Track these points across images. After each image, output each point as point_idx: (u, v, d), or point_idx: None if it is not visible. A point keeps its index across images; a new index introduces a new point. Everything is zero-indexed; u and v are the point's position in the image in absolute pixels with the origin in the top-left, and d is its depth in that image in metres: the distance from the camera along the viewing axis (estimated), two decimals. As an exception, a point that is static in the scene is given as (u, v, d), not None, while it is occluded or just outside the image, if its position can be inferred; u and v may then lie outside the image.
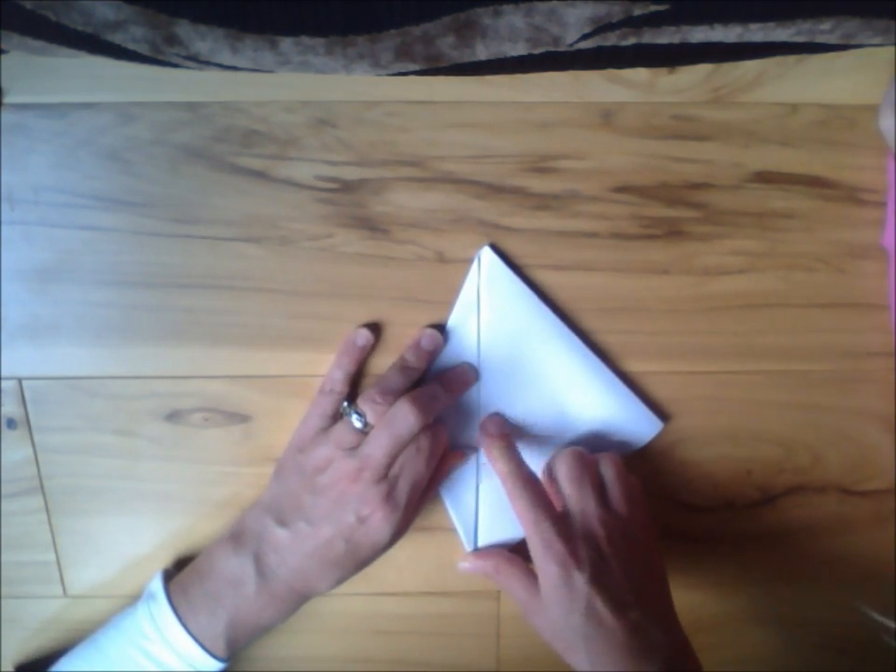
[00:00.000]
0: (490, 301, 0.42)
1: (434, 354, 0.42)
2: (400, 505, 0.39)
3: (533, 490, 0.40)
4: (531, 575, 0.40)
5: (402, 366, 0.41)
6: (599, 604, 0.37)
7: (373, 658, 0.45)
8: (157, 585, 0.42)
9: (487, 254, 0.41)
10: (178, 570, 0.43)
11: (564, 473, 0.41)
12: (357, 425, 0.39)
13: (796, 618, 0.50)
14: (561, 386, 0.43)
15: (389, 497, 0.39)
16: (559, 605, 0.38)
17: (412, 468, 0.39)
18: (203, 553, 0.42)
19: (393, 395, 0.40)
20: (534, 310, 0.42)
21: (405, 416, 0.39)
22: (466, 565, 0.44)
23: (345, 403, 0.41)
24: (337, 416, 0.41)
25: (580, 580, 0.37)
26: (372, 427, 0.39)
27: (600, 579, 0.37)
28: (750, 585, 0.49)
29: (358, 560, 0.40)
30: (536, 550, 0.39)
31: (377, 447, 0.39)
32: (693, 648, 0.39)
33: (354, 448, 0.39)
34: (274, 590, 0.40)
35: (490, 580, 0.43)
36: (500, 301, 0.42)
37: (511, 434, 0.43)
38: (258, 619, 0.40)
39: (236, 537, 0.41)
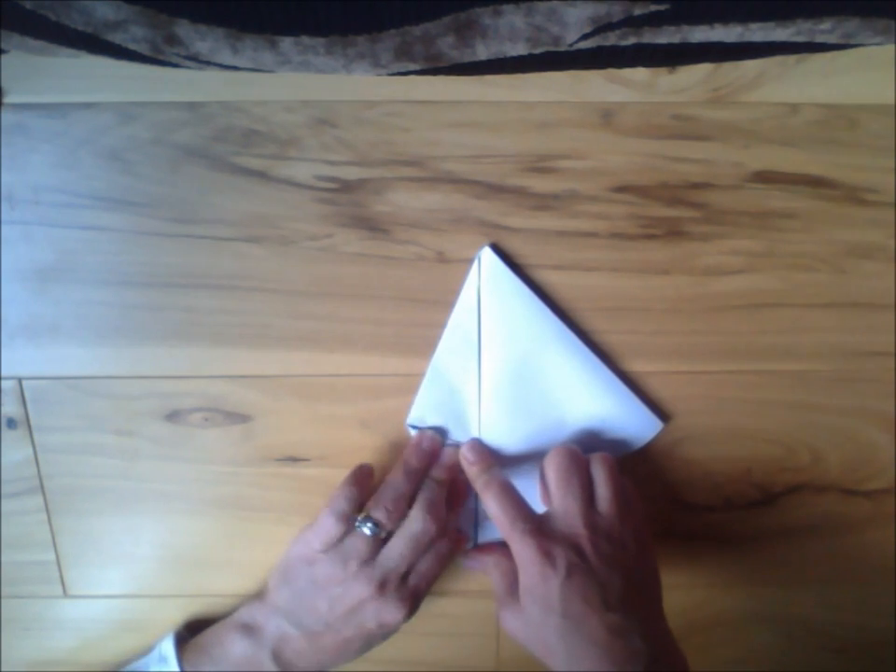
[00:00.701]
0: (490, 301, 0.42)
1: (434, 454, 0.43)
2: (418, 607, 0.41)
3: (506, 495, 0.40)
4: (516, 575, 0.39)
5: (406, 470, 0.42)
6: (576, 605, 0.36)
7: (373, 658, 0.45)
8: (169, 649, 0.42)
9: (487, 254, 0.41)
10: (190, 633, 0.44)
11: (552, 473, 0.41)
12: (370, 533, 0.40)
13: (796, 618, 0.50)
14: (561, 386, 0.43)
15: (412, 605, 0.41)
16: (537, 604, 0.37)
17: (430, 574, 0.41)
18: (211, 636, 0.43)
19: (404, 500, 0.41)
20: (534, 310, 0.42)
21: (424, 527, 0.40)
22: (470, 562, 0.44)
23: (358, 518, 0.41)
24: (344, 536, 0.41)
25: (555, 580, 0.37)
26: (386, 531, 0.40)
27: (578, 579, 0.37)
28: (750, 585, 0.49)
29: (372, 647, 0.43)
30: (514, 552, 0.39)
31: (399, 560, 0.40)
32: (683, 657, 0.38)
33: (370, 559, 0.40)
34: None
35: (487, 573, 0.43)
36: (500, 302, 0.42)
37: (484, 450, 0.43)
38: None
39: (250, 630, 0.42)
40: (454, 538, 0.43)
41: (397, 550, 0.40)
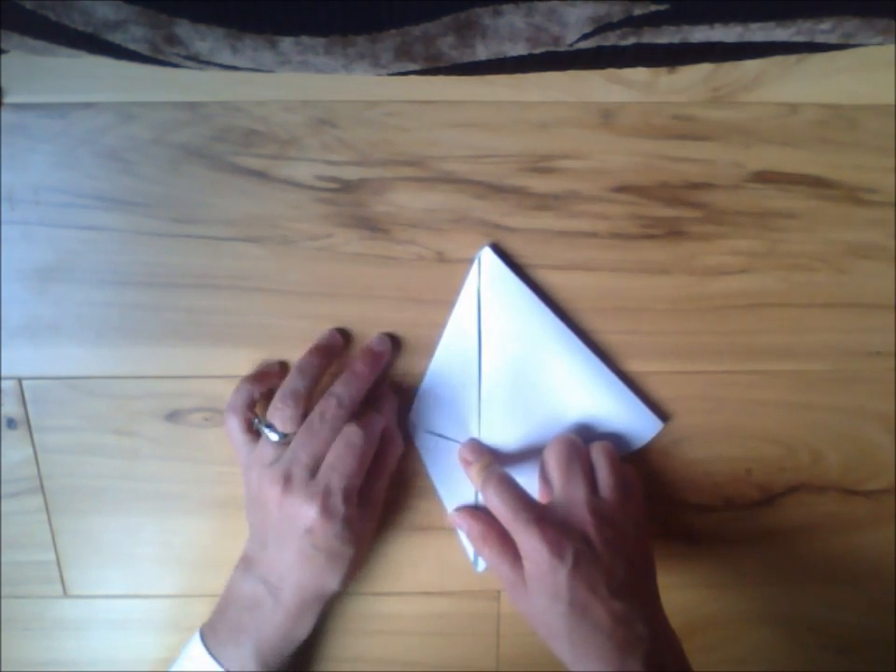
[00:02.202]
0: (490, 301, 0.42)
1: (334, 349, 0.42)
2: (338, 508, 0.38)
3: (505, 487, 0.39)
4: (519, 558, 0.39)
5: (300, 367, 0.40)
6: (583, 593, 0.36)
7: (373, 658, 0.45)
8: (196, 633, 0.42)
9: (487, 254, 0.41)
10: None
11: (553, 461, 0.41)
12: (273, 438, 0.39)
13: (796, 618, 0.50)
14: (561, 386, 0.43)
15: (324, 504, 0.38)
16: (544, 593, 0.37)
17: (341, 465, 0.38)
18: (225, 586, 0.42)
19: (299, 397, 0.39)
20: (534, 310, 0.42)
21: (321, 410, 0.39)
22: (456, 518, 0.43)
23: (256, 420, 0.41)
24: (246, 435, 0.41)
25: (562, 569, 0.36)
26: (286, 432, 0.39)
27: (585, 568, 0.37)
28: (750, 585, 0.49)
29: (344, 556, 0.39)
30: (519, 543, 0.38)
31: (297, 451, 0.39)
32: (679, 641, 0.39)
33: (275, 462, 0.39)
34: (287, 604, 0.40)
35: (475, 547, 0.43)
36: (500, 302, 0.42)
37: (481, 448, 0.43)
38: (283, 635, 0.40)
39: (245, 564, 0.41)
40: (368, 426, 0.39)
41: (295, 442, 0.39)
